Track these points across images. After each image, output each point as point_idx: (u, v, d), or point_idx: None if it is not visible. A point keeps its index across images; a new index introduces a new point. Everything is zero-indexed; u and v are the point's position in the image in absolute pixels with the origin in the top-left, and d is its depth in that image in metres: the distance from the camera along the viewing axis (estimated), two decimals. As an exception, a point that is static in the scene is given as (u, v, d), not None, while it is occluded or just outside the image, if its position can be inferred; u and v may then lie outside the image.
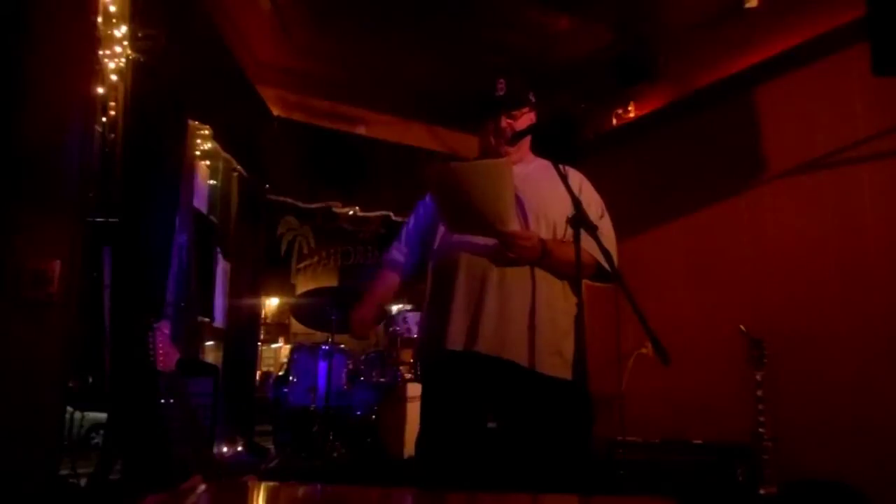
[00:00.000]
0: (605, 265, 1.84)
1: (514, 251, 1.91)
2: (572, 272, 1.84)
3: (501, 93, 2.07)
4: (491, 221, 1.89)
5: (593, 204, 2.08)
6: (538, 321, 1.93)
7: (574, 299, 1.99)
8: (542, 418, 1.91)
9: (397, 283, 2.26)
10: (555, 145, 2.12)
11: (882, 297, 3.12)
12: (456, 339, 1.94)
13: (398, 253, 2.27)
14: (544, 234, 1.98)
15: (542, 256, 1.92)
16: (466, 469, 1.88)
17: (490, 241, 1.96)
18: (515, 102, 2.08)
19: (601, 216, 2.08)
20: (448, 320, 1.96)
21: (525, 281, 1.95)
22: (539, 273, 1.97)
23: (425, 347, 2.10)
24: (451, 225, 2.03)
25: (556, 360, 1.92)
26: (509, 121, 2.07)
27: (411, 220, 2.30)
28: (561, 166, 1.95)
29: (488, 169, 1.92)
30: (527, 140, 2.13)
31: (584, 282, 2.03)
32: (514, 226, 1.93)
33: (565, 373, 1.93)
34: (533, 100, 2.14)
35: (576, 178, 2.10)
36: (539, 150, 2.20)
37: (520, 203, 1.98)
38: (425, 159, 5.26)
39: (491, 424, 2.00)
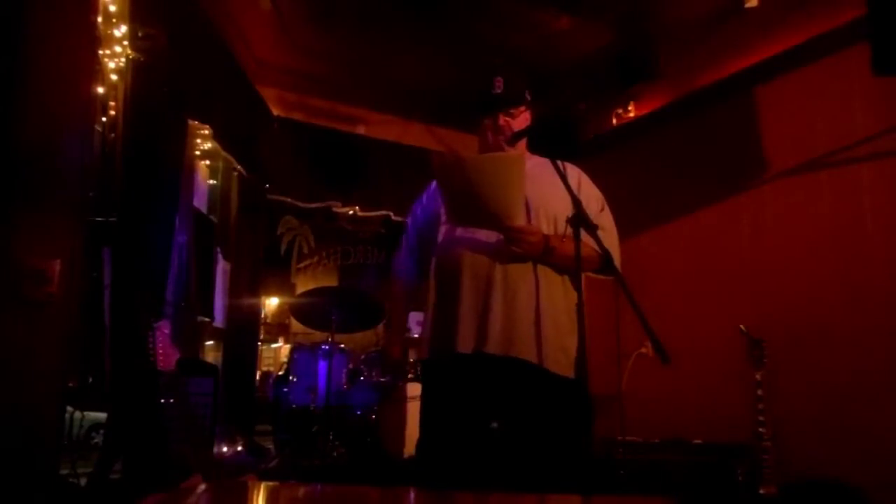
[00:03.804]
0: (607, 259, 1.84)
1: (517, 246, 1.90)
2: (575, 267, 1.83)
3: (499, 91, 2.06)
4: (498, 215, 1.89)
5: (593, 199, 2.08)
6: (543, 318, 1.93)
7: (574, 296, 1.98)
8: (547, 416, 1.91)
9: (411, 296, 2.30)
10: (554, 143, 2.11)
11: (882, 297, 3.12)
12: (465, 341, 1.94)
13: (404, 269, 2.26)
14: (546, 230, 1.98)
15: (544, 252, 1.92)
16: (471, 470, 1.88)
17: (492, 239, 1.96)
18: (513, 100, 2.08)
19: (601, 210, 2.09)
20: (456, 322, 1.96)
21: (529, 278, 1.95)
22: (540, 269, 1.97)
23: (432, 349, 2.07)
24: (454, 216, 2.02)
25: (561, 358, 1.92)
26: (507, 119, 2.07)
27: (409, 227, 2.28)
28: (559, 163, 1.95)
29: (501, 163, 1.92)
30: (524, 139, 2.13)
31: (587, 276, 2.03)
32: (521, 221, 1.92)
33: (568, 371, 1.93)
34: (529, 98, 2.14)
35: (574, 174, 2.09)
36: (538, 148, 2.19)
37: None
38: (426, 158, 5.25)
39: (493, 424, 1.99)
